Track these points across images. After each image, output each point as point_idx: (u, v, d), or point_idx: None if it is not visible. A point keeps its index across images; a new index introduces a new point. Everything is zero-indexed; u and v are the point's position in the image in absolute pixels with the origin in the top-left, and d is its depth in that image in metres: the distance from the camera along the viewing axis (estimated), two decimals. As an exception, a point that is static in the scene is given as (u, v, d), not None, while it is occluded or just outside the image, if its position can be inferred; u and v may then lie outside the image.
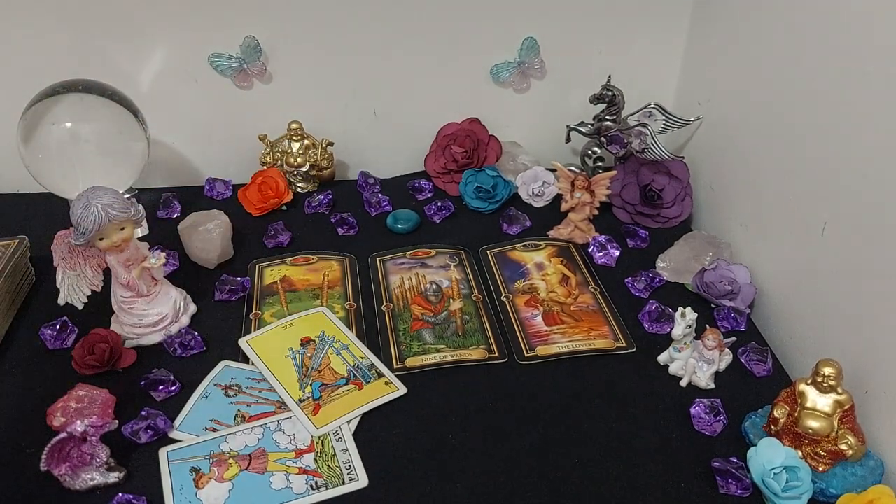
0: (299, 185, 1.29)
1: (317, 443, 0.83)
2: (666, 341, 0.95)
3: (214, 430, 0.84)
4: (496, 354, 0.96)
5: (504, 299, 1.06)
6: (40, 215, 1.19)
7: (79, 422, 0.74)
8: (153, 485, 0.78)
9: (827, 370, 0.78)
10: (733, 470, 0.79)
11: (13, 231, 1.10)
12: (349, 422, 0.85)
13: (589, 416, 0.87)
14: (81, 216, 0.86)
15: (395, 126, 1.33)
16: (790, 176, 1.00)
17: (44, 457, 0.74)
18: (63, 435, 0.74)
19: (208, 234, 1.08)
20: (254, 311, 1.02)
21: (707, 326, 0.93)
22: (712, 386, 0.92)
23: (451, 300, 1.05)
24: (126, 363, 0.92)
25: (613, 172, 1.15)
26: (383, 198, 1.25)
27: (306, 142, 1.26)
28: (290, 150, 1.25)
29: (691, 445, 0.84)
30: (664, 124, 1.23)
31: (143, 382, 0.88)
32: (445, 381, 0.92)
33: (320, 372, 0.92)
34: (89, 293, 0.95)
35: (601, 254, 1.14)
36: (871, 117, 0.84)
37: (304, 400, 0.88)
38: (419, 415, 0.87)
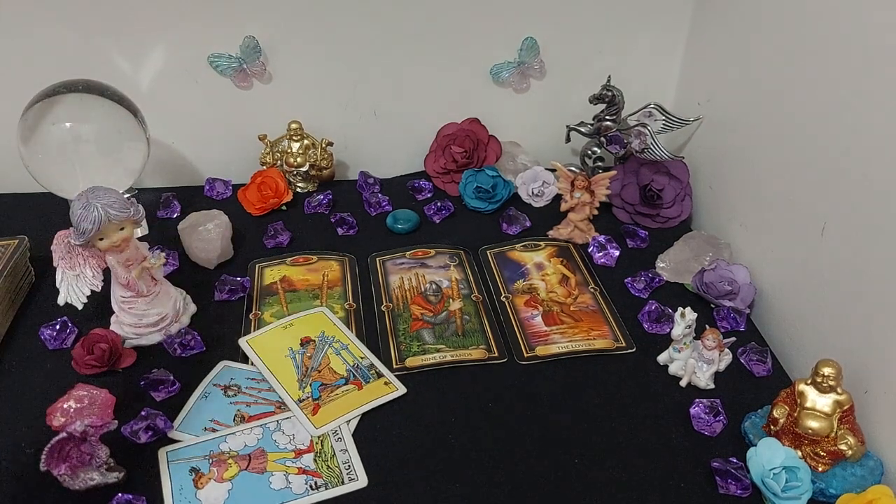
0: (299, 185, 1.29)
1: (316, 443, 0.83)
2: (666, 341, 0.95)
3: (214, 430, 0.84)
4: (496, 354, 0.96)
5: (504, 299, 1.06)
6: (40, 215, 1.19)
7: (79, 422, 0.74)
8: (153, 485, 0.78)
9: (827, 370, 0.78)
10: (733, 470, 0.79)
11: (13, 231, 1.10)
12: (349, 422, 0.85)
13: (589, 417, 0.87)
14: (81, 216, 0.86)
15: (395, 126, 1.32)
16: (790, 176, 1.00)
17: (43, 457, 0.74)
18: (63, 435, 0.74)
19: (208, 234, 1.09)
20: (254, 311, 1.02)
21: (707, 326, 0.93)
22: (712, 386, 0.92)
23: (451, 300, 1.05)
24: (126, 363, 0.92)
25: (613, 172, 1.15)
26: (383, 198, 1.25)
27: (306, 142, 1.26)
28: (289, 150, 1.25)
29: (691, 445, 0.84)
30: (664, 124, 1.23)
31: (143, 382, 0.88)
32: (445, 381, 0.92)
33: (320, 372, 0.92)
34: (89, 293, 0.95)
35: (601, 254, 1.14)
36: (871, 117, 0.84)
37: (303, 400, 0.88)
38: (419, 415, 0.87)
